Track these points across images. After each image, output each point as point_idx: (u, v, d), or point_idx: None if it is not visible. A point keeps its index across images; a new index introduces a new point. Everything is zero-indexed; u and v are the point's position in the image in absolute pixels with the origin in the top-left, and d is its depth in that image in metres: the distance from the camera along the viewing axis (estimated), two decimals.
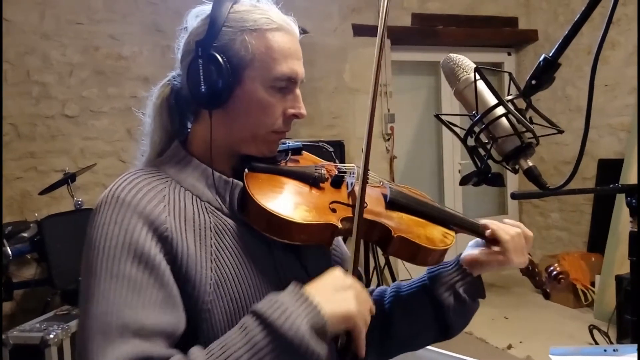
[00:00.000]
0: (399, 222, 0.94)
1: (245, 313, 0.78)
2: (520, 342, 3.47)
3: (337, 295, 0.75)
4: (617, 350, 1.14)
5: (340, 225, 0.85)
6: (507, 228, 0.98)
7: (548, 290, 1.06)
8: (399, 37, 4.67)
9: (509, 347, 3.44)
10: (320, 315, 0.71)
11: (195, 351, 0.72)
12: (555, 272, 1.05)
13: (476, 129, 0.88)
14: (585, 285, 4.09)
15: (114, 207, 0.78)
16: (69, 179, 3.14)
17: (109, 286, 0.73)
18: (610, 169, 4.18)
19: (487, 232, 0.99)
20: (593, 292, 4.04)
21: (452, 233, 0.99)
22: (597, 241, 4.28)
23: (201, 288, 0.78)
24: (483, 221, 1.01)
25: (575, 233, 4.75)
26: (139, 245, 0.75)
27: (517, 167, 0.87)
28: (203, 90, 0.84)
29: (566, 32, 0.81)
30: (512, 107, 0.84)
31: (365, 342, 0.77)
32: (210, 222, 0.83)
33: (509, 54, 5.33)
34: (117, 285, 0.73)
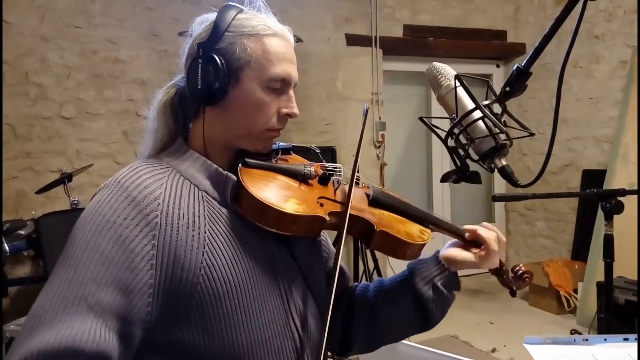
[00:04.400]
0: (381, 218, 1.02)
1: (235, 296, 0.85)
2: (505, 345, 3.55)
3: None
4: (587, 340, 1.22)
5: (327, 218, 0.93)
6: (488, 233, 1.06)
7: (514, 288, 1.13)
8: (390, 47, 4.79)
9: (494, 350, 3.52)
10: None
11: None
12: (520, 272, 1.11)
13: (456, 131, 0.97)
14: (568, 292, 4.19)
15: (112, 189, 0.85)
16: (65, 178, 3.19)
17: (82, 255, 0.79)
18: (593, 179, 4.30)
19: (467, 234, 1.08)
20: (576, 298, 4.13)
21: (428, 231, 1.07)
22: (581, 249, 4.39)
23: (191, 271, 0.83)
24: (467, 226, 1.09)
25: (560, 241, 4.86)
26: (121, 227, 0.81)
27: (492, 165, 0.96)
28: (200, 87, 0.91)
29: (536, 45, 0.91)
30: (487, 112, 0.93)
31: None
32: (205, 210, 0.89)
33: (498, 66, 5.47)
34: (89, 256, 0.78)
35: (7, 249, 2.75)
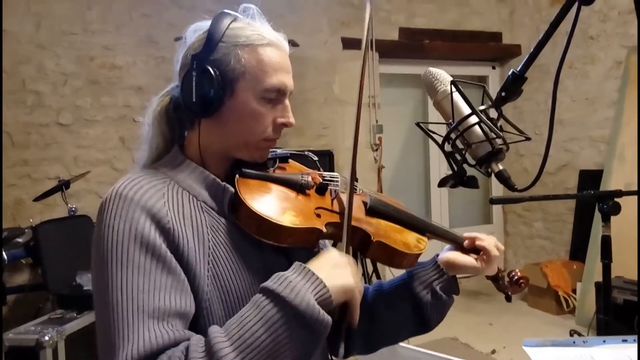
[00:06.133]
0: (378, 228, 1.02)
1: (241, 306, 0.84)
2: (504, 347, 3.56)
3: (336, 270, 0.83)
4: (586, 342, 1.22)
5: (325, 230, 0.92)
6: (489, 239, 1.07)
7: (510, 293, 1.14)
8: (386, 50, 4.80)
9: (493, 352, 3.52)
10: (324, 288, 0.79)
11: (214, 330, 0.76)
12: (516, 277, 1.12)
13: (452, 136, 0.97)
14: (567, 293, 4.20)
15: (118, 203, 0.84)
16: (63, 185, 3.19)
17: (120, 274, 0.78)
18: (590, 179, 4.31)
19: (467, 242, 1.09)
20: (575, 299, 4.14)
21: (425, 239, 1.08)
22: (579, 250, 4.39)
23: (200, 280, 0.84)
24: (467, 233, 1.10)
25: (558, 242, 4.87)
26: (144, 235, 0.81)
27: (489, 170, 0.96)
28: (194, 100, 0.91)
29: (531, 50, 0.91)
30: (484, 116, 0.94)
31: (359, 314, 0.85)
32: (206, 220, 0.89)
33: (494, 68, 5.48)
34: (127, 272, 0.79)
35: (5, 257, 2.74)
